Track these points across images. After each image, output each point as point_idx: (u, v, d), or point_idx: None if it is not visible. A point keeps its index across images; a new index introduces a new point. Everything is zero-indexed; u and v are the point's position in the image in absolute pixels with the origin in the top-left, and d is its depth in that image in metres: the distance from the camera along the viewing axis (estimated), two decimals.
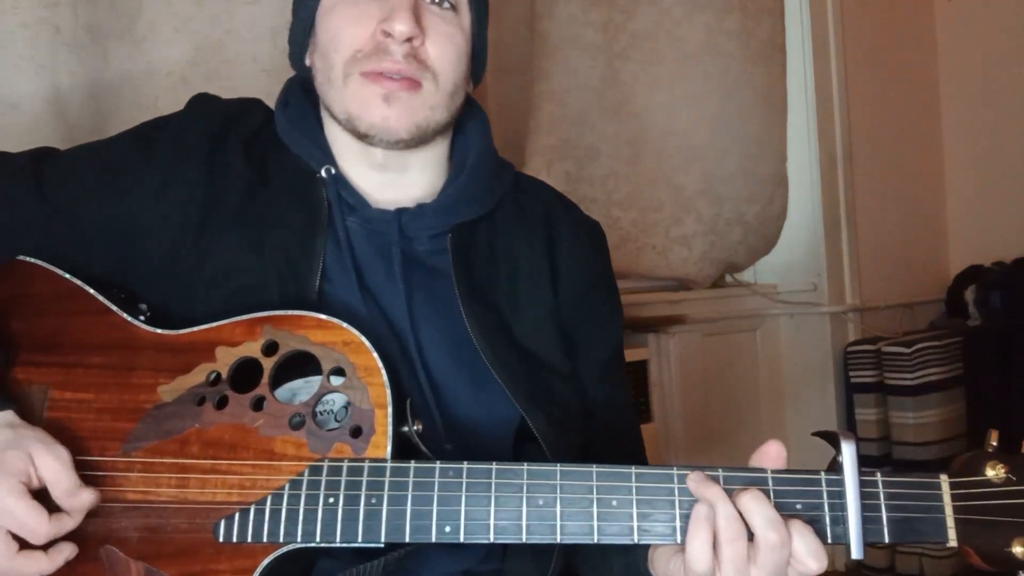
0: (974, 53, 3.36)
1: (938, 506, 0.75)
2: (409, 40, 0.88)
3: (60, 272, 0.88)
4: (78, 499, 0.76)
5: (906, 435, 2.74)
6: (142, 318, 0.86)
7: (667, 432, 2.56)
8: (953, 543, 0.75)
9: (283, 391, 0.83)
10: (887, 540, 0.75)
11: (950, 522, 0.75)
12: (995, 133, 3.33)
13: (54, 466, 0.75)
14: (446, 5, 0.92)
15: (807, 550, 0.72)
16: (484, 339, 0.91)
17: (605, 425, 1.01)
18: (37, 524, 0.73)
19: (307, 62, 0.97)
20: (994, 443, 0.78)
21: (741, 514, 0.72)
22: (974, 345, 2.88)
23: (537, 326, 0.97)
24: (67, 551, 0.75)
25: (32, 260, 0.90)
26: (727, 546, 0.71)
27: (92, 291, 0.87)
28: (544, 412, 0.92)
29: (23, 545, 0.73)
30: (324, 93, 0.94)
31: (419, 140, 0.92)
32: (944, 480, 0.76)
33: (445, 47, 0.91)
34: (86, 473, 0.77)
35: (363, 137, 0.91)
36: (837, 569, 2.88)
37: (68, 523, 0.75)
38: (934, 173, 3.45)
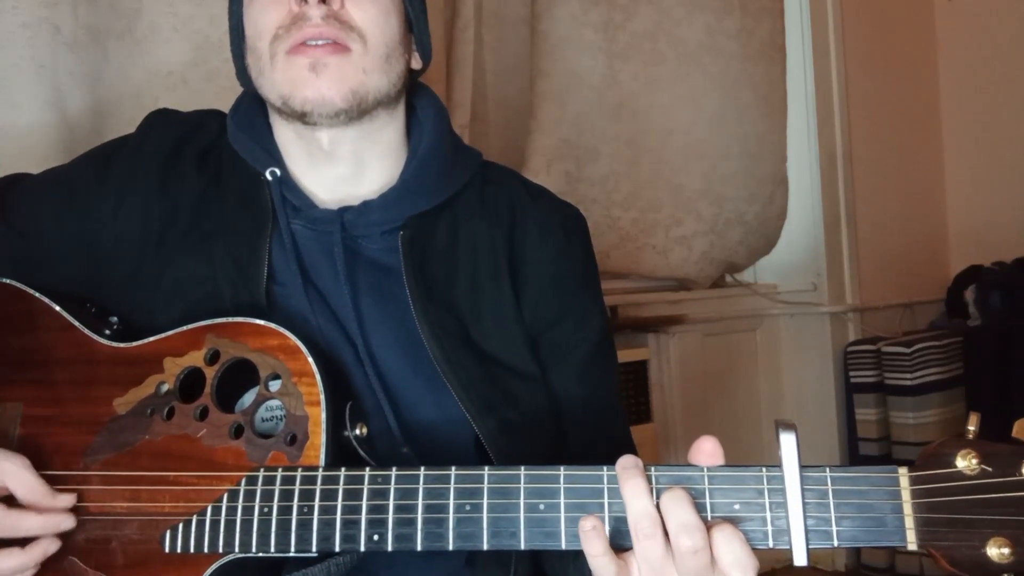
0: (974, 53, 3.36)
1: (895, 504, 0.65)
2: (324, 1, 0.83)
3: (29, 290, 0.89)
4: (52, 501, 0.77)
5: (906, 435, 2.74)
6: (108, 332, 0.87)
7: (667, 432, 2.56)
8: (913, 545, 0.64)
9: (243, 401, 0.82)
10: (836, 544, 0.66)
11: (909, 522, 0.65)
12: (995, 133, 3.33)
13: (14, 471, 0.76)
14: None
15: (732, 559, 0.65)
16: (435, 340, 0.87)
17: (582, 426, 0.96)
18: None
19: (248, 68, 0.94)
20: (971, 428, 0.67)
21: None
22: (974, 345, 2.88)
23: (499, 327, 0.92)
24: (44, 544, 0.76)
25: (3, 280, 0.91)
26: (637, 543, 0.66)
27: (58, 308, 0.88)
28: (496, 418, 0.88)
29: None
30: (260, 87, 0.91)
31: (360, 110, 0.87)
32: (903, 474, 0.66)
33: (367, 6, 0.86)
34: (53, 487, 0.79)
35: (302, 117, 0.87)
36: (837, 569, 2.88)
37: (27, 519, 0.76)
38: (934, 173, 3.45)
